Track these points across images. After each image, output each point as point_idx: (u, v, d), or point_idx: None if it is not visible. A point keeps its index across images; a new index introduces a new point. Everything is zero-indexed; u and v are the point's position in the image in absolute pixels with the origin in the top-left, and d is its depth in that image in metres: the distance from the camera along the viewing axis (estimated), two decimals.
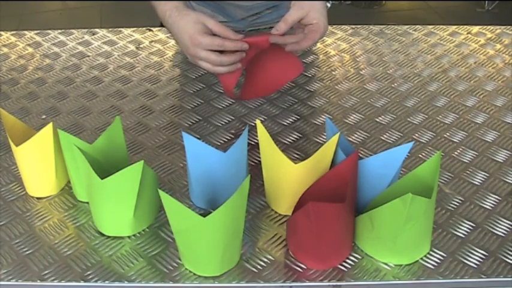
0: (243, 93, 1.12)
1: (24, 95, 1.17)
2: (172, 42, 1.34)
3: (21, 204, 0.91)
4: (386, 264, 0.81)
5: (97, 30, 1.39)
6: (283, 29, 0.98)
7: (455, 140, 1.03)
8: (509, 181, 0.94)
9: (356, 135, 1.04)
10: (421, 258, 0.81)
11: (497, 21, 1.73)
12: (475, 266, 0.80)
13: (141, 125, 1.08)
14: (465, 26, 1.39)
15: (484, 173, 0.96)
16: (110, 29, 1.39)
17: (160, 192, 0.72)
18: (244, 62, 1.00)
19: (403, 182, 0.81)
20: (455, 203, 0.90)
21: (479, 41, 1.34)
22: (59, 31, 1.39)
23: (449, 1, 3.51)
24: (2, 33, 1.39)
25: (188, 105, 1.13)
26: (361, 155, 0.99)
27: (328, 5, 1.41)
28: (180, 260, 0.81)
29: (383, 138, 1.04)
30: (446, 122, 1.08)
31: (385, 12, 3.52)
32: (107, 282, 0.79)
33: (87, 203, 0.90)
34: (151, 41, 1.34)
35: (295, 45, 0.99)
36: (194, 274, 0.79)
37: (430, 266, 0.80)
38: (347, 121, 1.08)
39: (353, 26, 1.39)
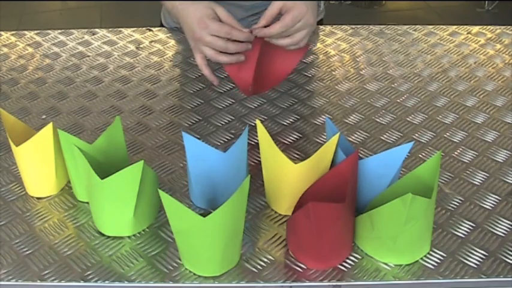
0: (257, 87, 1.09)
1: (24, 95, 1.17)
2: (173, 42, 1.34)
3: (21, 204, 0.91)
4: (386, 264, 0.81)
5: (97, 30, 1.39)
6: (262, 23, 0.99)
7: (455, 140, 1.03)
8: (509, 181, 0.94)
9: (356, 135, 1.04)
10: (421, 258, 0.81)
11: (497, 21, 1.72)
12: (475, 266, 0.80)
13: (141, 125, 1.08)
14: (465, 26, 1.39)
15: (484, 173, 0.96)
16: (110, 29, 1.39)
17: (160, 192, 0.72)
18: (254, 56, 1.00)
19: (403, 182, 0.81)
20: (455, 203, 0.90)
21: (479, 41, 1.34)
22: (59, 31, 1.39)
23: (449, 1, 3.51)
24: (2, 33, 1.39)
25: (188, 105, 1.13)
26: (361, 155, 0.99)
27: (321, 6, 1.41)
28: (180, 260, 0.81)
29: (383, 138, 1.04)
30: (446, 122, 1.08)
31: (385, 12, 3.52)
32: (107, 282, 0.79)
33: (87, 203, 0.90)
34: (151, 41, 1.34)
35: (264, 30, 0.98)
36: (194, 274, 0.79)
37: (430, 266, 0.80)
38: (347, 121, 1.08)
39: (353, 26, 1.39)
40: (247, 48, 0.99)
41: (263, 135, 0.84)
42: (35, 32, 1.39)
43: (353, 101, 1.14)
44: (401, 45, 1.32)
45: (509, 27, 1.39)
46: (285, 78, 1.12)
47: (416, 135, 1.05)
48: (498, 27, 1.39)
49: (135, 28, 1.39)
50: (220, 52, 0.99)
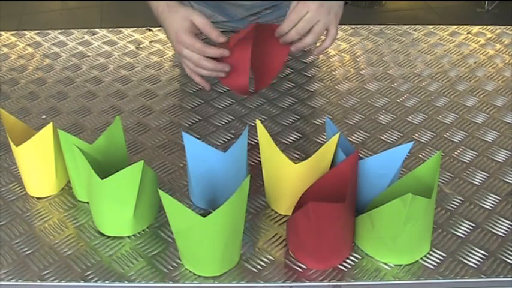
0: (257, 85, 1.08)
1: (24, 95, 1.17)
2: None
3: (21, 204, 0.91)
4: (386, 264, 0.81)
5: (97, 30, 1.39)
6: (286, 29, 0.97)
7: (455, 140, 1.03)
8: (509, 181, 0.94)
9: (356, 135, 1.04)
10: (421, 258, 0.81)
11: (497, 21, 1.72)
12: (475, 266, 0.80)
13: (141, 125, 1.08)
14: (465, 26, 1.39)
15: (484, 173, 0.96)
16: (110, 29, 1.39)
17: (160, 192, 0.72)
18: (247, 62, 0.98)
19: (403, 182, 0.81)
20: (455, 203, 0.90)
21: (479, 41, 1.34)
22: (59, 31, 1.39)
23: (449, 1, 3.51)
24: (2, 33, 1.39)
25: (188, 105, 1.13)
26: (361, 155, 0.99)
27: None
28: (180, 260, 0.81)
29: (383, 138, 1.04)
30: (446, 122, 1.08)
31: (385, 12, 3.51)
32: (107, 282, 0.79)
33: (87, 203, 0.90)
34: (151, 41, 1.34)
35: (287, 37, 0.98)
36: (194, 274, 0.79)
37: (430, 266, 0.80)
38: (347, 121, 1.08)
39: (353, 26, 1.39)
40: (223, 69, 0.96)
41: (263, 135, 0.84)
42: (35, 32, 1.39)
43: (353, 101, 1.14)
44: (401, 45, 1.32)
45: (509, 27, 1.39)
46: (283, 63, 1.09)
47: (416, 135, 1.05)
48: (498, 27, 1.39)
49: (135, 28, 1.39)
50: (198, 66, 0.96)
